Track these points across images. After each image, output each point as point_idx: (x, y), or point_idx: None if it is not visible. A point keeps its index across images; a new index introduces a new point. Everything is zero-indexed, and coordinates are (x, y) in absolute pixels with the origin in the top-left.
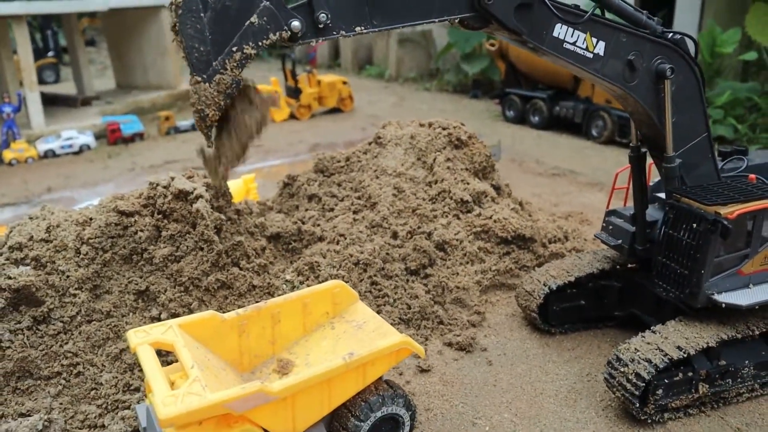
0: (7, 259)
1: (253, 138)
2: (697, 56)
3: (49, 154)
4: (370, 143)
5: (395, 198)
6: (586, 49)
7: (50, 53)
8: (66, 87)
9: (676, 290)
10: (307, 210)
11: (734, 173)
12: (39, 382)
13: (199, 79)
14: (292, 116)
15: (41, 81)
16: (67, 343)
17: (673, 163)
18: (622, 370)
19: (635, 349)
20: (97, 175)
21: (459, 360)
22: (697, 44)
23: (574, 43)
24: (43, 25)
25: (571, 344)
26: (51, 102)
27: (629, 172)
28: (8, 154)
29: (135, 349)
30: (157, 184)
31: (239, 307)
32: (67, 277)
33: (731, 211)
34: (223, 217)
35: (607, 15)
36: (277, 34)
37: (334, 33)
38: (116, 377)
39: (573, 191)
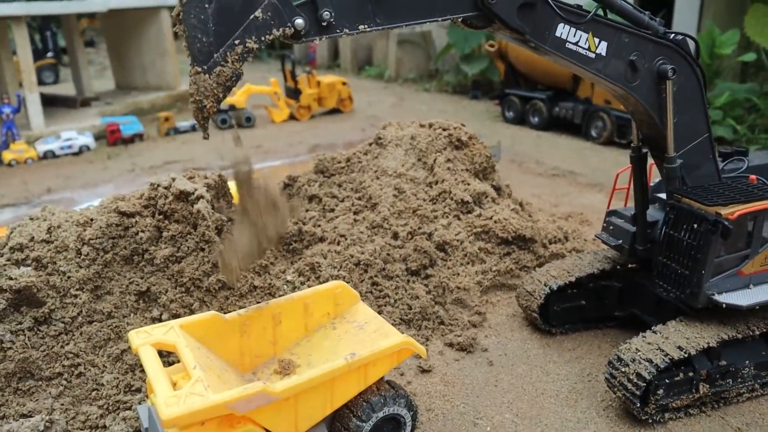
0: (8, 260)
1: (272, 244)
2: (698, 57)
3: (49, 155)
4: (370, 144)
5: (396, 199)
6: (589, 49)
7: (49, 54)
8: (65, 88)
9: (676, 290)
10: (307, 211)
11: (735, 174)
12: (40, 382)
13: (200, 69)
14: (292, 117)
15: (40, 82)
16: (68, 344)
17: (674, 163)
18: (623, 370)
19: (636, 349)
20: (96, 176)
21: (460, 360)
22: (698, 45)
23: (576, 43)
24: (42, 25)
25: (572, 344)
26: (50, 103)
27: (630, 172)
28: (8, 155)
29: (137, 350)
30: (158, 185)
31: (240, 307)
32: (68, 277)
33: (732, 211)
34: (224, 217)
35: (610, 15)
36: (281, 30)
37: (338, 31)
38: (117, 378)
39: (573, 192)
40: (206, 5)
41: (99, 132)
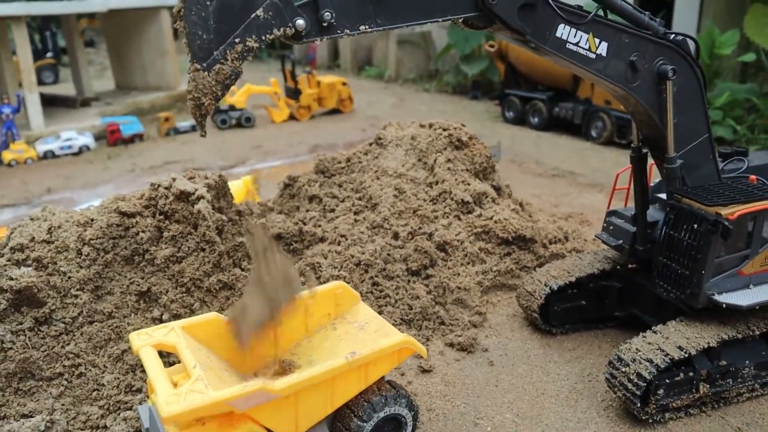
0: (9, 260)
1: (282, 316)
2: (698, 57)
3: (49, 155)
4: (370, 144)
5: (396, 199)
6: (589, 49)
7: (49, 54)
8: (65, 88)
9: (676, 291)
10: (308, 211)
11: (735, 174)
12: (41, 383)
13: (199, 67)
14: (292, 117)
15: (40, 82)
16: (68, 344)
17: (674, 163)
18: (623, 370)
19: (636, 349)
20: (96, 176)
21: (460, 360)
22: (698, 45)
23: (576, 44)
24: (42, 26)
25: (572, 344)
26: (50, 103)
27: (630, 172)
28: (7, 155)
29: (138, 351)
30: (159, 185)
31: None
32: (69, 278)
33: (732, 211)
34: (224, 218)
35: (610, 16)
36: (281, 29)
37: (339, 32)
38: (118, 378)
39: (572, 192)
40: (208, 2)
41: (99, 132)
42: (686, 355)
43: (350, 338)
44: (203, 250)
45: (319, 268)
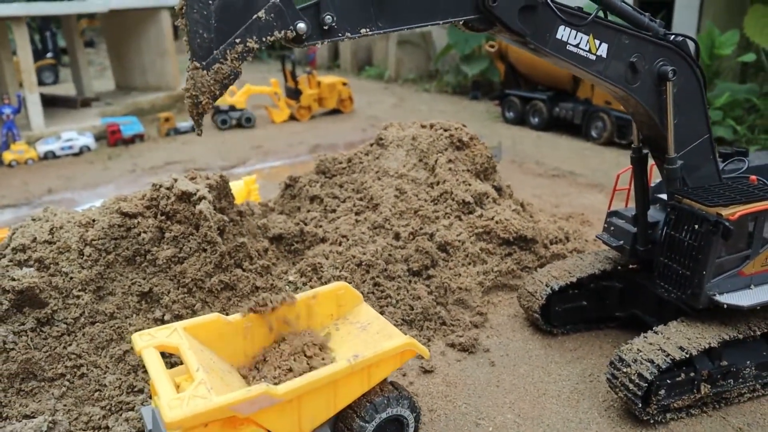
0: (11, 261)
1: None
2: (698, 58)
3: (49, 156)
4: (371, 144)
5: (397, 199)
6: (589, 51)
7: (49, 54)
8: (65, 88)
9: (677, 291)
10: (309, 211)
11: (735, 174)
12: (43, 383)
13: (198, 65)
14: (292, 117)
15: (40, 82)
16: (70, 345)
17: (674, 164)
18: (624, 370)
19: (638, 349)
20: (97, 177)
21: (462, 361)
22: (698, 46)
23: (577, 45)
24: (42, 26)
25: (573, 345)
26: (50, 103)
27: (630, 173)
28: (8, 156)
29: (140, 352)
30: (160, 186)
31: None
32: (71, 278)
33: (733, 212)
34: (225, 218)
35: (610, 17)
36: (282, 32)
37: (339, 35)
38: (120, 379)
39: (573, 192)
40: (210, 1)
41: (99, 132)
42: (687, 356)
43: (352, 339)
44: (205, 250)
45: (321, 269)
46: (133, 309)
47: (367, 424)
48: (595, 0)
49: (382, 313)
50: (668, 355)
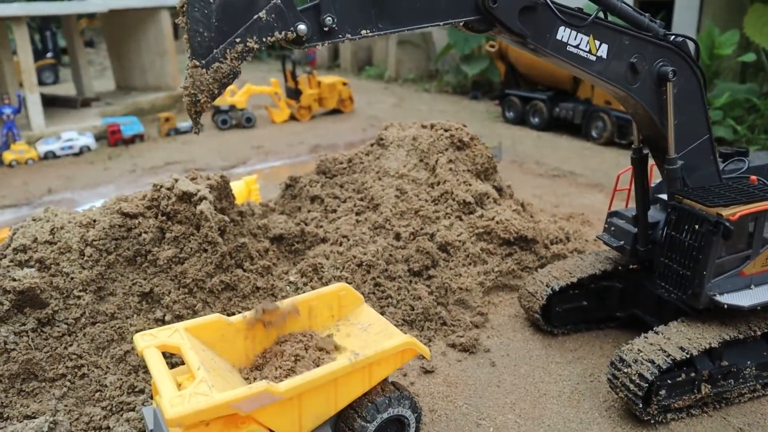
0: (12, 261)
1: None
2: (698, 59)
3: (50, 156)
4: (372, 145)
5: (398, 199)
6: (589, 51)
7: (49, 54)
8: (65, 88)
9: (678, 291)
10: (309, 211)
11: (735, 175)
12: (44, 384)
13: (198, 63)
14: (293, 117)
15: (40, 82)
16: (71, 345)
17: (674, 164)
18: (625, 370)
19: (638, 349)
20: (97, 177)
21: (462, 361)
22: (698, 47)
23: (577, 46)
24: (41, 26)
25: (574, 345)
26: (51, 103)
27: (631, 173)
28: (8, 156)
29: (142, 352)
30: (161, 186)
31: (243, 308)
32: (72, 279)
33: (733, 212)
34: (226, 218)
35: (610, 18)
36: (283, 33)
37: (340, 36)
38: (121, 379)
39: (573, 192)
40: (211, 0)
41: (99, 132)
42: (688, 356)
43: (354, 340)
44: (205, 251)
45: (322, 269)
46: (133, 309)
47: (368, 424)
48: (596, 1)
49: (382, 313)
50: (669, 355)
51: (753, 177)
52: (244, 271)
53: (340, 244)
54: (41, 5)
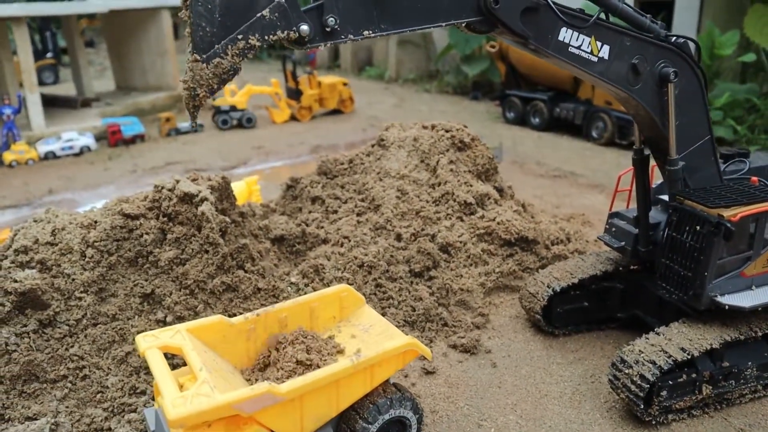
0: (13, 263)
1: None
2: (699, 60)
3: (50, 156)
4: (373, 145)
5: (399, 200)
6: (591, 52)
7: (49, 54)
8: (65, 88)
9: (679, 292)
10: (310, 212)
11: (736, 176)
12: (45, 385)
13: (198, 58)
14: (293, 118)
15: (40, 82)
16: (72, 347)
17: (676, 165)
18: (626, 371)
19: (639, 350)
20: (98, 177)
21: (464, 362)
22: (699, 47)
23: (579, 47)
24: (42, 26)
25: (575, 346)
26: (51, 103)
27: (632, 174)
28: (8, 156)
29: (144, 354)
30: (162, 187)
31: (244, 309)
32: (73, 280)
33: (734, 213)
34: (227, 219)
35: (611, 19)
36: (285, 32)
37: (342, 37)
38: (122, 380)
39: (574, 193)
40: None
41: (100, 133)
42: (689, 357)
43: (355, 341)
44: (207, 252)
45: (323, 270)
46: (135, 310)
47: (370, 426)
48: (597, 2)
49: (384, 314)
50: (670, 356)
51: (754, 178)
52: (246, 272)
53: (342, 245)
54: (41, 5)
